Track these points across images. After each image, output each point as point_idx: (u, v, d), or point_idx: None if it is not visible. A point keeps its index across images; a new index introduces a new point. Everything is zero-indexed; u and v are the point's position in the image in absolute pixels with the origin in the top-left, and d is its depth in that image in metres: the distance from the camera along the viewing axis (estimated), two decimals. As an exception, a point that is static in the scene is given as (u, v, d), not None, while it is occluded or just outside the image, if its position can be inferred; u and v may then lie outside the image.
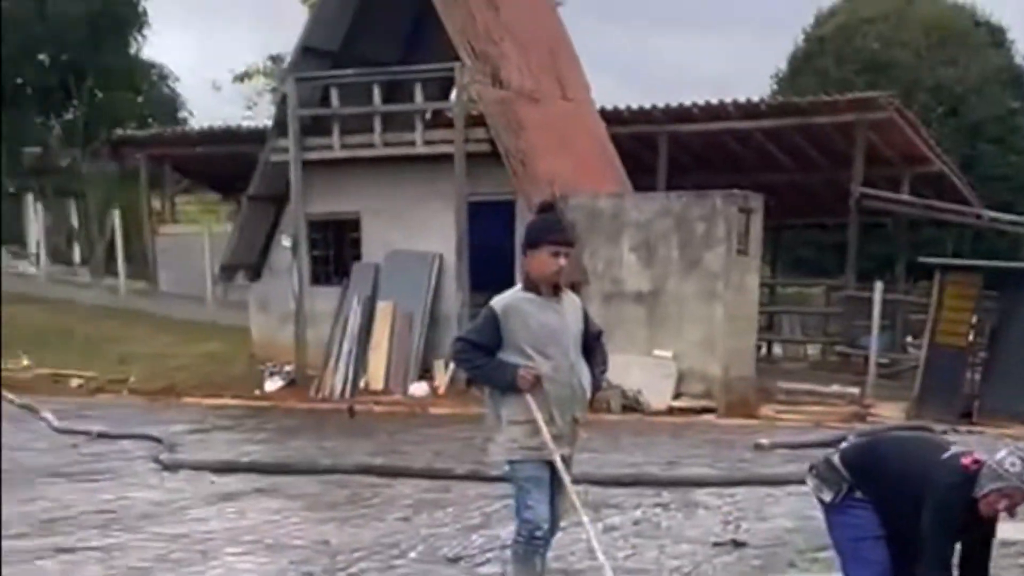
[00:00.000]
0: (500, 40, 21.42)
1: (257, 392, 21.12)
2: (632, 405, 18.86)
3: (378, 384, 20.72)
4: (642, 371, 18.93)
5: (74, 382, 22.25)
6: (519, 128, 20.61)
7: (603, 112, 24.01)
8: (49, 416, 17.19)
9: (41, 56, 38.15)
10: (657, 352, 19.36)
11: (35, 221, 32.42)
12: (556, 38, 23.24)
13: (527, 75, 21.63)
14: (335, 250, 22.73)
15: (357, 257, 22.20)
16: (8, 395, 19.91)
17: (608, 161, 22.68)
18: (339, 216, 22.38)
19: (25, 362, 23.25)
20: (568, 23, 24.09)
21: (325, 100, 21.96)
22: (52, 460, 13.97)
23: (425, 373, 20.86)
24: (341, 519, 10.52)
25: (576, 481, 7.13)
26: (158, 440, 14.93)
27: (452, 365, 19.51)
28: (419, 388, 20.49)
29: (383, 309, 21.30)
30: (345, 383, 20.74)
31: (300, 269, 22.17)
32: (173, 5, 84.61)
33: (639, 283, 19.86)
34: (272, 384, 21.35)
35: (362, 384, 20.80)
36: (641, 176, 23.37)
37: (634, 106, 25.55)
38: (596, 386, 7.00)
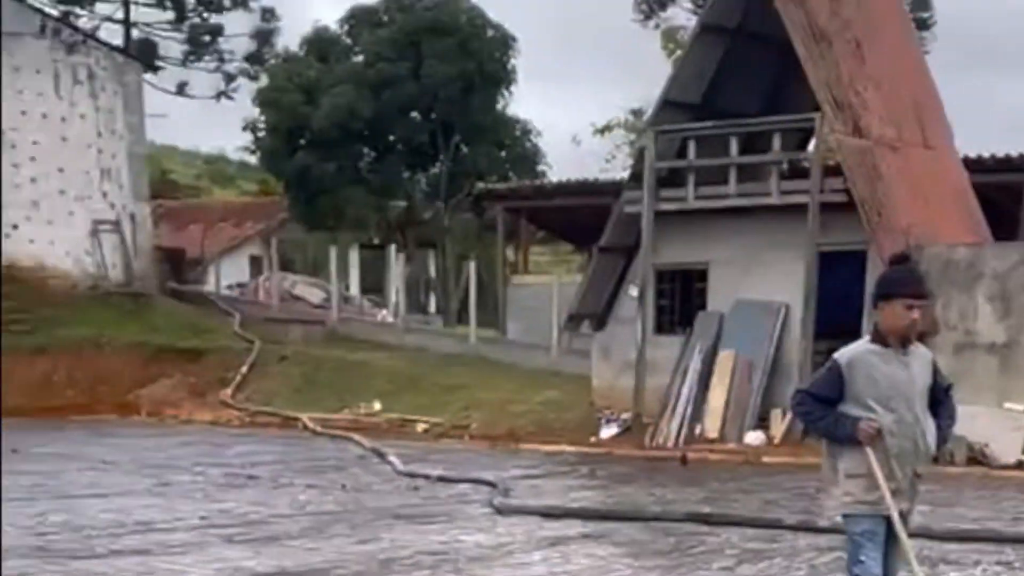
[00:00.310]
0: (864, 89, 21.05)
1: (592, 439, 21.40)
2: (977, 458, 18.06)
3: (713, 432, 20.62)
4: (990, 423, 18.07)
5: (420, 427, 23.19)
6: (876, 177, 20.19)
7: (966, 160, 23.13)
8: (394, 460, 17.83)
9: (413, 114, 39.95)
10: (1008, 404, 18.49)
11: (395, 272, 33.77)
12: (921, 85, 22.61)
13: (888, 123, 21.14)
14: (680, 299, 22.85)
15: (702, 306, 22.24)
16: (358, 438, 20.87)
17: (967, 210, 21.83)
18: (687, 266, 22.54)
19: (377, 407, 24.38)
20: (934, 69, 23.47)
21: (682, 152, 22.18)
22: (394, 502, 14.43)
23: (762, 422, 20.60)
24: (665, 567, 10.39)
25: (913, 535, 6.80)
26: (493, 485, 15.20)
27: (790, 415, 19.13)
28: (754, 437, 20.25)
29: (724, 358, 21.18)
30: (680, 431, 20.70)
31: (644, 318, 22.28)
32: (539, 61, 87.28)
33: (993, 334, 19.09)
34: (607, 431, 21.56)
35: (697, 432, 20.77)
36: (1003, 226, 22.35)
37: (999, 154, 24.46)
38: (941, 440, 6.70)
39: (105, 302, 31.42)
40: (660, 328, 22.71)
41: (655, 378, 21.73)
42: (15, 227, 32.25)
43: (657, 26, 40.65)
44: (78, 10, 44.86)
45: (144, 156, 36.76)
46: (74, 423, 24.92)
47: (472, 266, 31.27)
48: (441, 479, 16.13)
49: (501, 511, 13.43)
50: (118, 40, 43.27)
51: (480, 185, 35.18)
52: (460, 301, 35.39)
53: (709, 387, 21.05)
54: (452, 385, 25.20)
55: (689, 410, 20.88)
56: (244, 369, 27.50)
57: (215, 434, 23.29)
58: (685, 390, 21.09)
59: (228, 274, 39.18)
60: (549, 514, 13.21)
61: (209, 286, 37.37)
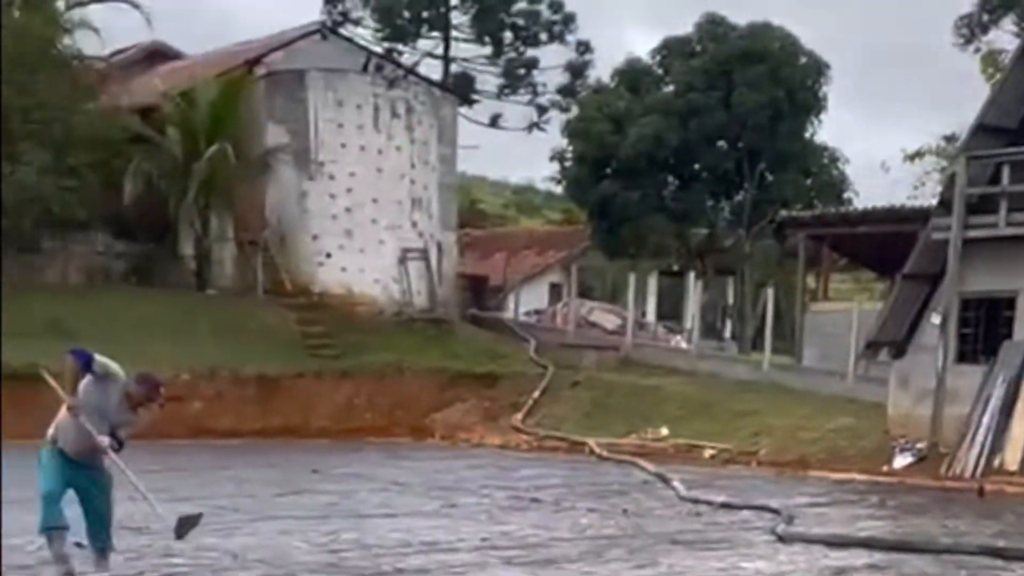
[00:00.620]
0: None
1: (884, 468, 20.91)
2: None
3: (1014, 464, 19.77)
4: None
5: (707, 453, 23.12)
6: None
7: None
8: (678, 485, 17.79)
9: (720, 142, 39.98)
10: None
11: (693, 299, 33.70)
12: None
13: None
14: (985, 328, 22.09)
15: (1008, 335, 21.47)
16: (643, 463, 20.94)
17: None
18: (994, 294, 21.88)
19: (664, 432, 24.41)
20: None
21: (995, 178, 21.60)
22: (675, 527, 14.41)
23: (1071, 456, 19.59)
24: (954, 601, 10.08)
25: None
26: (776, 512, 15.00)
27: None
28: (1059, 470, 19.26)
29: (1029, 388, 20.31)
30: (978, 462, 19.93)
31: (946, 346, 21.69)
32: (851, 87, 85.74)
33: None
34: (901, 460, 21.01)
35: (996, 463, 19.96)
36: None
37: None
38: None
39: (408, 328, 32.39)
40: (962, 357, 22.06)
41: (954, 407, 21.15)
42: (328, 256, 33.64)
43: (977, 50, 39.29)
44: (400, 47, 47.03)
45: (454, 186, 37.83)
46: (371, 445, 25.86)
47: (770, 293, 30.96)
48: (724, 505, 16.01)
49: (784, 539, 13.24)
50: (437, 74, 45.11)
51: (783, 212, 34.84)
52: (756, 328, 35.05)
53: (1012, 418, 20.23)
54: (742, 411, 24.98)
55: (989, 441, 20.12)
56: (536, 394, 27.93)
57: (503, 457, 23.75)
58: (986, 420, 20.35)
59: (527, 301, 39.89)
60: (834, 543, 12.94)
61: (508, 313, 38.13)
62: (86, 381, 9.28)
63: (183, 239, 33.58)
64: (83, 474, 9.43)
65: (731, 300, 40.28)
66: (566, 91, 48.38)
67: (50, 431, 9.46)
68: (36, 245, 32.12)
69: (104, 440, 9.26)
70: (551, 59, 48.51)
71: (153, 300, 30.43)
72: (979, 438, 20.21)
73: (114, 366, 9.39)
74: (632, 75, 41.92)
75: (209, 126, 32.34)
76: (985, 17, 39.03)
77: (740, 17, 41.18)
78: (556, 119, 47.27)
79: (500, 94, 49.23)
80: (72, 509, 9.46)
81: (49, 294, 29.55)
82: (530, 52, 48.62)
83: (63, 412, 9.36)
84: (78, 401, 9.24)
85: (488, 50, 48.37)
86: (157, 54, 40.18)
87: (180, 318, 29.13)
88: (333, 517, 14.58)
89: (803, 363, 29.56)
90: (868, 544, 12.94)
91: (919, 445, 21.25)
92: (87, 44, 32.98)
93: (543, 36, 48.06)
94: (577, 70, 48.28)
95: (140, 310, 29.14)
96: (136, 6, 34.04)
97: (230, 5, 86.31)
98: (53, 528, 9.32)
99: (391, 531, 13.35)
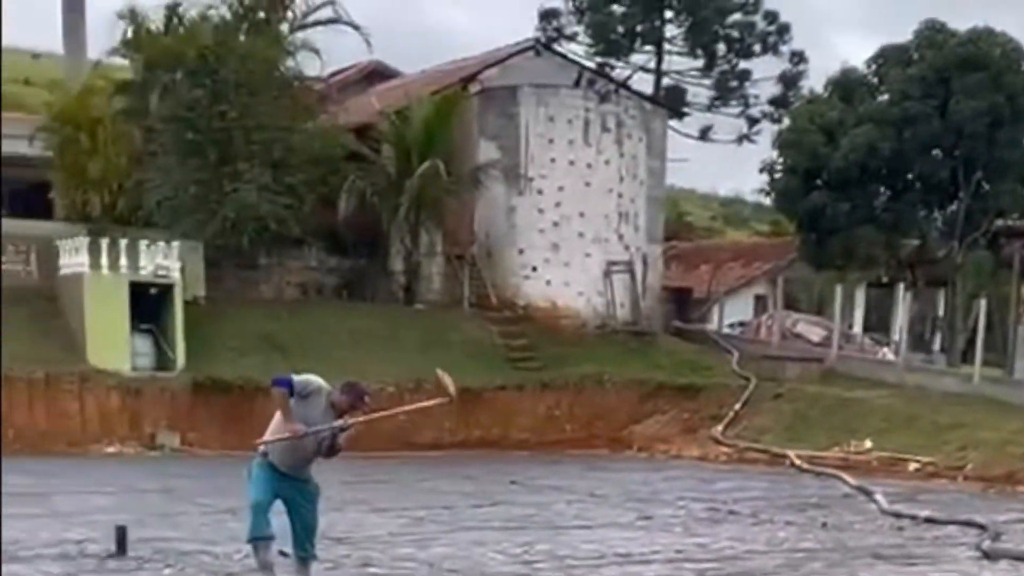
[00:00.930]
0: None
1: (1100, 484, 20.16)
2: None
3: None
4: None
5: (911, 466, 22.61)
6: None
7: None
8: (880, 498, 17.52)
9: (935, 151, 39.20)
10: None
11: (902, 310, 33.05)
12: None
13: None
14: None
15: None
16: (844, 476, 20.68)
17: None
18: None
19: (868, 445, 24.00)
20: None
21: None
22: (875, 541, 14.24)
23: None
24: None
25: None
26: (983, 527, 14.66)
27: None
28: None
29: None
30: None
31: None
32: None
33: None
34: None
35: None
36: None
37: None
38: None
39: (611, 340, 32.46)
40: None
41: None
42: (534, 269, 33.96)
43: None
44: (613, 61, 47.30)
45: (662, 199, 37.79)
46: (569, 457, 26.11)
47: (983, 304, 30.18)
48: (928, 520, 15.73)
49: (990, 555, 13.01)
50: (648, 88, 45.17)
51: (999, 222, 33.98)
52: (967, 340, 34.11)
53: None
54: (949, 424, 24.31)
55: None
56: (737, 406, 27.76)
57: (701, 470, 23.70)
58: None
59: (732, 313, 39.63)
60: (1042, 559, 12.62)
61: (712, 324, 37.95)
62: (292, 401, 9.65)
63: (393, 254, 34.28)
64: (291, 485, 9.79)
65: (941, 312, 39.31)
66: (778, 102, 47.92)
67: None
68: (253, 261, 33.22)
69: (338, 423, 9.60)
70: (763, 70, 48.24)
71: (363, 314, 31.20)
72: None
73: (315, 380, 9.75)
74: (846, 85, 41.23)
75: (422, 143, 32.90)
76: None
77: (961, 24, 40.22)
78: (767, 130, 46.94)
79: (711, 106, 49.06)
80: (279, 519, 9.84)
81: (264, 309, 30.63)
82: (743, 64, 48.36)
83: (273, 425, 9.78)
84: (296, 423, 9.58)
85: (701, 63, 48.26)
86: (375, 74, 41.33)
87: (388, 332, 29.83)
88: (529, 528, 14.80)
89: (1015, 376, 28.77)
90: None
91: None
92: (308, 65, 34.08)
93: (757, 47, 47.73)
94: (790, 81, 47.80)
95: (350, 324, 29.92)
96: (356, 28, 34.75)
97: (449, 25, 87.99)
98: (260, 538, 9.70)
99: (585, 542, 13.50)
